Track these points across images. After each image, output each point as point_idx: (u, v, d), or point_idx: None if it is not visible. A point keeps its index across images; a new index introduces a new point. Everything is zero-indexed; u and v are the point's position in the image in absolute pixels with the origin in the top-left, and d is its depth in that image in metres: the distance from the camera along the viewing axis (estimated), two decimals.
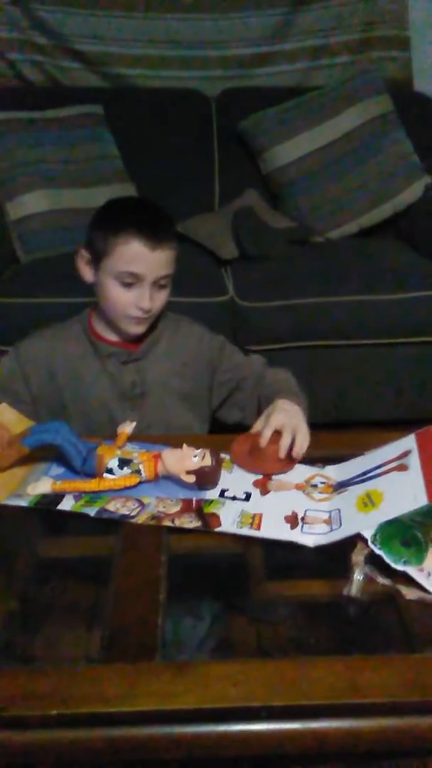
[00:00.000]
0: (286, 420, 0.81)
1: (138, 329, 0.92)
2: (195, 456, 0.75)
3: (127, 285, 0.87)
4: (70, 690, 0.52)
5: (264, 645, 0.59)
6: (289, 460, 0.81)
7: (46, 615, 0.62)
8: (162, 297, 0.90)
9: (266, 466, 0.80)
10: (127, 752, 0.52)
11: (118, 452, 0.78)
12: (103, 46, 1.93)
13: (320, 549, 0.68)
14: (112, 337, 0.94)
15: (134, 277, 0.87)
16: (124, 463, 0.77)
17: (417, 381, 1.56)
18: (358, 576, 0.64)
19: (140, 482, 0.77)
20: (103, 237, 0.87)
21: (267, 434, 0.80)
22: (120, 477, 0.76)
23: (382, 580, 0.64)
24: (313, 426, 0.84)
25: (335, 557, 0.66)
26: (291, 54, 1.99)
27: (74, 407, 0.94)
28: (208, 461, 0.75)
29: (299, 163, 1.77)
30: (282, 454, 0.80)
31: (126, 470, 0.77)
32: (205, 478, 0.76)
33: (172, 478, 0.77)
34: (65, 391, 0.94)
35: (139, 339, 0.94)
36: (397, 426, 0.81)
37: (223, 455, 0.80)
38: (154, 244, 0.85)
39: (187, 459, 0.75)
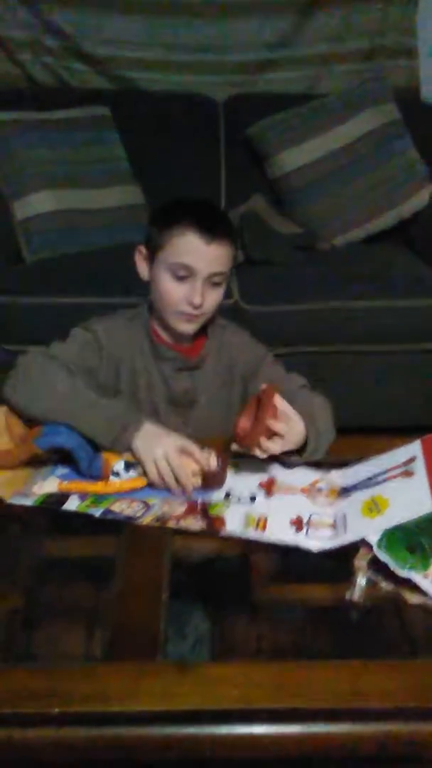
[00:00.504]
0: (293, 419, 0.78)
1: (188, 327, 0.89)
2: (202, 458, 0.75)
3: (180, 278, 0.85)
4: (72, 689, 0.53)
5: (266, 648, 0.59)
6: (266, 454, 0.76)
7: (49, 614, 0.63)
8: (215, 296, 0.88)
9: (246, 441, 0.75)
10: (127, 752, 0.53)
11: (124, 456, 0.78)
12: (112, 49, 1.94)
13: (323, 553, 0.68)
14: (170, 340, 0.93)
15: (187, 269, 0.84)
16: (129, 466, 0.77)
17: (423, 387, 1.56)
18: (361, 581, 0.64)
19: (146, 486, 0.77)
20: (160, 230, 0.86)
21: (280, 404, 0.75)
22: (126, 480, 0.76)
23: (385, 585, 0.64)
24: None
25: (338, 562, 0.66)
26: (299, 60, 1.99)
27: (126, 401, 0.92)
28: (213, 463, 0.75)
29: (306, 169, 1.78)
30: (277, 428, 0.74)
31: (132, 473, 0.77)
32: (211, 480, 0.76)
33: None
34: (122, 383, 0.93)
35: (195, 347, 0.93)
36: (402, 432, 0.81)
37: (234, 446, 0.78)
38: (210, 237, 0.84)
39: (193, 459, 0.75)
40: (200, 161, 1.85)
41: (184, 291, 0.86)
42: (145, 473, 0.76)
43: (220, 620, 0.62)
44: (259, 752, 0.53)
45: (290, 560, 0.68)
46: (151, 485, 0.77)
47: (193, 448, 0.77)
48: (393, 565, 0.64)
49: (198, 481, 0.76)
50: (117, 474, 0.77)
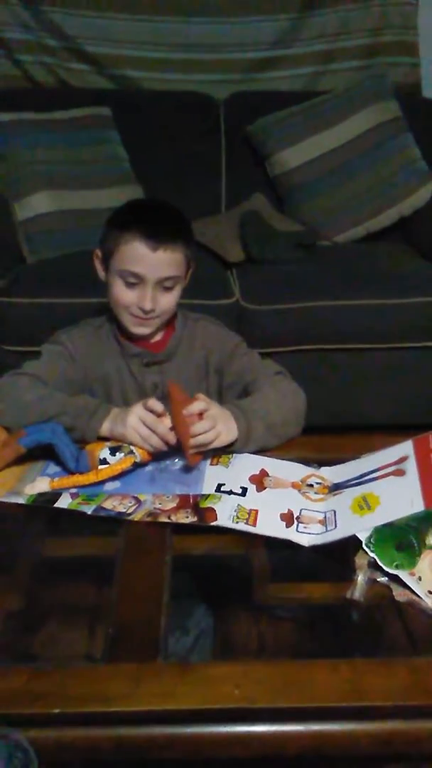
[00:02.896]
0: (218, 415, 0.79)
1: (142, 330, 0.92)
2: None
3: (131, 285, 0.88)
4: (73, 689, 0.53)
5: (267, 647, 0.59)
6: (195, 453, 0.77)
7: (50, 614, 0.62)
8: (168, 299, 0.90)
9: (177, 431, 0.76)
10: (129, 752, 0.53)
11: (107, 443, 0.79)
12: (111, 49, 1.94)
13: (325, 551, 0.68)
14: (136, 336, 0.94)
15: (136, 276, 0.87)
16: (115, 450, 0.78)
17: (423, 386, 1.56)
18: (361, 579, 0.64)
19: (135, 463, 0.77)
20: (111, 236, 0.89)
21: (193, 407, 0.78)
22: (116, 463, 0.76)
23: (380, 579, 0.64)
24: (317, 429, 0.84)
25: (339, 560, 0.66)
26: (299, 58, 1.99)
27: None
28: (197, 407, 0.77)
29: (306, 167, 1.77)
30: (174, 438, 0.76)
31: (119, 455, 0.77)
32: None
33: (168, 471, 0.77)
34: (95, 387, 0.95)
35: (162, 341, 0.95)
36: (403, 431, 0.81)
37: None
38: (155, 244, 0.85)
39: (164, 417, 0.76)
40: (201, 160, 1.85)
41: (135, 296, 0.88)
42: (130, 452, 0.77)
43: (220, 619, 0.62)
44: (260, 751, 0.53)
45: (292, 559, 0.68)
46: (139, 462, 0.78)
47: (155, 403, 0.79)
48: (380, 563, 0.64)
49: (173, 436, 0.77)
50: (105, 461, 0.77)
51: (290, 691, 0.53)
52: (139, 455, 0.78)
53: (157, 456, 0.80)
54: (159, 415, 0.79)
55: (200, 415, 0.79)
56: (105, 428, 0.81)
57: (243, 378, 0.97)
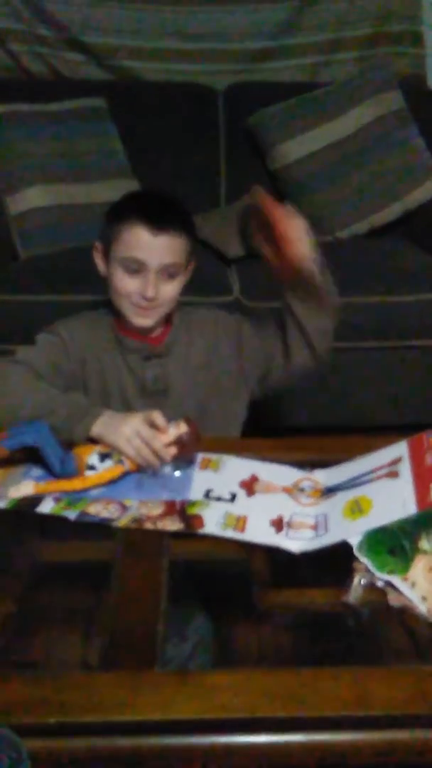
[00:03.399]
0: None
1: (144, 321, 0.90)
2: (170, 428, 0.75)
3: (133, 272, 0.87)
4: (69, 698, 0.51)
5: (267, 655, 0.58)
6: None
7: (45, 621, 0.61)
8: (170, 288, 0.89)
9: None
10: (126, 762, 0.51)
11: (97, 448, 0.77)
12: (107, 38, 1.91)
13: (326, 556, 0.66)
14: (134, 330, 0.93)
15: (138, 263, 0.86)
16: (104, 456, 0.76)
17: (424, 385, 1.54)
18: (357, 583, 0.63)
19: (125, 473, 0.76)
20: (111, 225, 0.88)
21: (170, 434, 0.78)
22: (103, 471, 0.75)
23: (378, 584, 0.63)
24: (316, 429, 0.83)
25: (340, 564, 0.65)
26: (301, 48, 1.96)
27: (96, 399, 0.93)
28: (183, 429, 0.75)
29: (308, 160, 1.75)
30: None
31: (108, 462, 0.76)
32: (185, 447, 0.76)
33: (156, 477, 0.76)
34: (91, 381, 0.94)
35: (161, 335, 0.94)
36: (406, 430, 0.80)
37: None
38: (157, 228, 0.84)
39: (163, 432, 0.75)
40: (199, 153, 1.83)
41: (137, 284, 0.87)
42: (120, 461, 0.76)
43: (219, 626, 0.61)
44: (261, 762, 0.52)
45: (291, 564, 0.67)
46: (128, 472, 0.76)
47: (157, 416, 0.77)
48: (372, 568, 0.63)
49: (173, 450, 0.76)
50: (92, 467, 0.75)
51: (291, 700, 0.52)
52: (128, 465, 0.76)
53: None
54: (159, 430, 0.77)
55: (177, 443, 0.77)
56: (95, 431, 0.79)
57: (266, 347, 0.96)
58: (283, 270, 0.87)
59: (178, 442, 0.76)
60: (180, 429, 0.76)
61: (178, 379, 0.94)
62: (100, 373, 0.93)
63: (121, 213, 0.87)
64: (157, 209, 0.86)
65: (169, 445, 0.75)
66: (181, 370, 0.94)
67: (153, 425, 0.77)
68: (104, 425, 0.79)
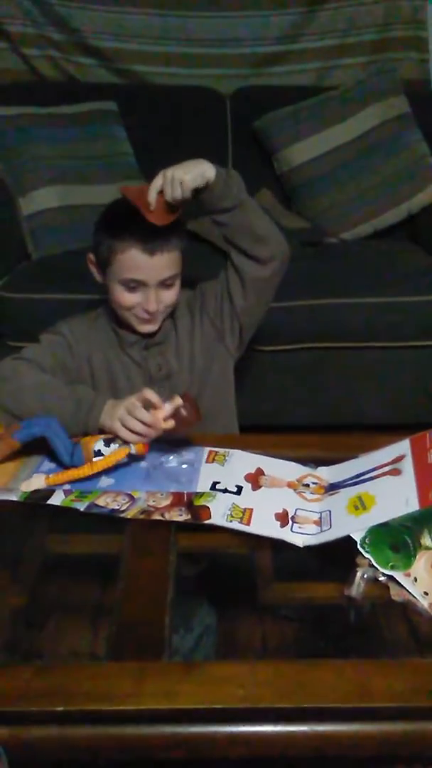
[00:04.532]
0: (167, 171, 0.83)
1: (149, 327, 0.93)
2: (166, 403, 0.76)
3: (132, 289, 0.89)
4: (76, 687, 0.52)
5: (271, 646, 0.59)
6: (167, 211, 0.83)
7: (54, 612, 0.62)
8: (170, 295, 0.91)
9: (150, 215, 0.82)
10: (131, 751, 0.52)
11: (102, 436, 0.79)
12: (118, 43, 1.93)
13: (330, 550, 0.67)
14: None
15: (137, 282, 0.88)
16: (109, 441, 0.78)
17: (425, 385, 1.55)
18: (360, 577, 0.63)
19: (130, 454, 0.77)
20: (105, 245, 0.89)
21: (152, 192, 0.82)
22: (110, 454, 0.76)
23: (381, 578, 0.63)
24: (317, 427, 0.83)
25: (344, 559, 0.66)
26: (307, 53, 1.97)
27: (106, 393, 0.93)
28: (179, 402, 0.76)
29: (314, 163, 1.76)
30: (149, 196, 0.82)
31: (114, 446, 0.77)
32: (184, 421, 0.77)
33: (163, 469, 0.77)
34: (99, 377, 0.95)
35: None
36: (404, 430, 0.80)
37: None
38: (153, 249, 0.86)
39: (159, 408, 0.76)
40: (207, 155, 1.81)
41: (138, 298, 0.89)
42: (125, 443, 0.77)
43: (225, 618, 0.62)
44: (264, 752, 0.53)
45: (296, 558, 0.68)
46: (135, 453, 0.78)
47: (150, 393, 0.78)
48: (375, 563, 0.64)
49: (171, 423, 0.76)
50: (99, 453, 0.77)
51: (294, 691, 0.53)
52: (133, 446, 0.77)
53: (153, 450, 0.80)
54: (154, 406, 0.78)
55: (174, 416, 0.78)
56: (100, 422, 0.81)
57: (218, 289, 0.96)
58: (160, 218, 0.85)
59: (176, 415, 0.76)
60: (176, 402, 0.77)
61: (176, 362, 0.96)
62: (107, 368, 0.95)
63: (114, 232, 0.87)
64: (149, 228, 0.85)
65: (167, 419, 0.76)
66: (176, 352, 0.96)
67: (147, 403, 0.78)
68: (106, 414, 0.81)
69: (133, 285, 0.88)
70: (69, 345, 0.94)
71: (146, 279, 0.87)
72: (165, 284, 0.89)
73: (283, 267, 0.93)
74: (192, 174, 0.84)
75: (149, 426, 0.77)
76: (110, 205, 0.95)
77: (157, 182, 0.84)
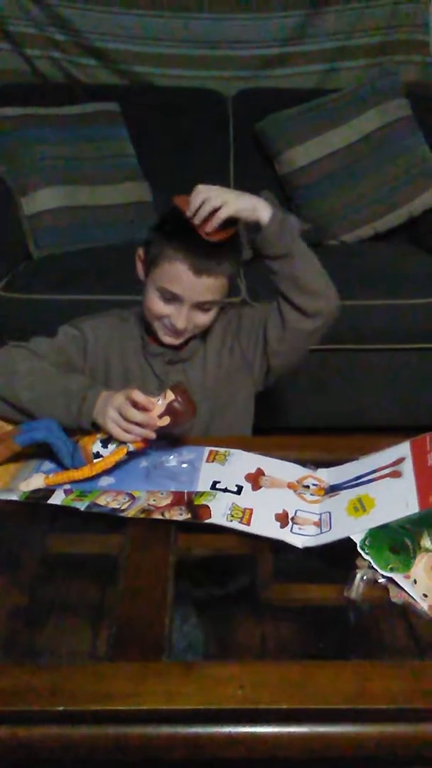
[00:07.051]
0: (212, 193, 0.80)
1: (170, 341, 0.90)
2: (159, 400, 0.75)
3: (167, 300, 0.86)
4: (76, 687, 0.52)
5: (271, 647, 0.59)
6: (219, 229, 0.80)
7: (53, 612, 0.62)
8: (203, 318, 0.87)
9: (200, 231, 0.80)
10: (130, 751, 0.52)
11: (98, 436, 0.78)
12: (120, 44, 1.93)
13: (330, 552, 0.67)
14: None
15: (174, 296, 0.85)
16: (106, 442, 0.77)
17: (426, 388, 1.55)
18: (359, 579, 0.63)
19: (129, 452, 0.77)
20: (157, 246, 0.85)
21: (193, 198, 0.80)
22: (109, 454, 0.76)
23: (381, 580, 0.64)
24: (318, 430, 0.83)
25: (344, 561, 0.66)
26: (309, 56, 1.98)
27: None
28: (171, 397, 0.75)
29: (315, 165, 1.77)
30: (188, 212, 0.80)
31: (111, 446, 0.77)
32: (179, 415, 0.76)
33: (163, 468, 0.77)
34: (113, 381, 0.93)
35: (186, 340, 0.92)
36: (405, 432, 0.81)
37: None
38: (200, 270, 0.82)
39: (152, 407, 0.75)
40: (209, 157, 1.84)
41: (170, 310, 0.86)
42: (122, 442, 0.76)
43: (225, 619, 0.62)
44: (263, 753, 0.53)
45: (296, 559, 0.68)
46: (134, 451, 0.77)
47: (137, 394, 0.76)
48: (375, 565, 0.64)
49: (166, 420, 0.76)
50: (98, 455, 0.76)
51: (294, 692, 0.53)
52: (131, 445, 0.77)
53: (153, 449, 0.80)
54: (146, 406, 0.76)
55: (170, 411, 0.76)
56: (93, 416, 0.79)
57: (257, 323, 0.92)
58: (210, 233, 0.82)
59: (170, 411, 0.75)
60: (168, 398, 0.75)
61: (197, 384, 0.94)
62: (123, 375, 0.93)
63: (169, 237, 0.84)
64: (204, 248, 0.82)
65: (162, 416, 0.75)
66: (200, 373, 0.94)
67: (135, 405, 0.75)
68: (97, 413, 0.78)
69: (168, 297, 0.85)
70: (85, 344, 0.92)
71: (184, 296, 0.84)
72: (202, 307, 0.86)
73: (328, 323, 0.90)
74: (242, 202, 0.81)
75: (144, 426, 0.76)
76: (173, 207, 0.88)
77: (208, 190, 0.81)
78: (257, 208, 0.83)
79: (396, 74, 1.88)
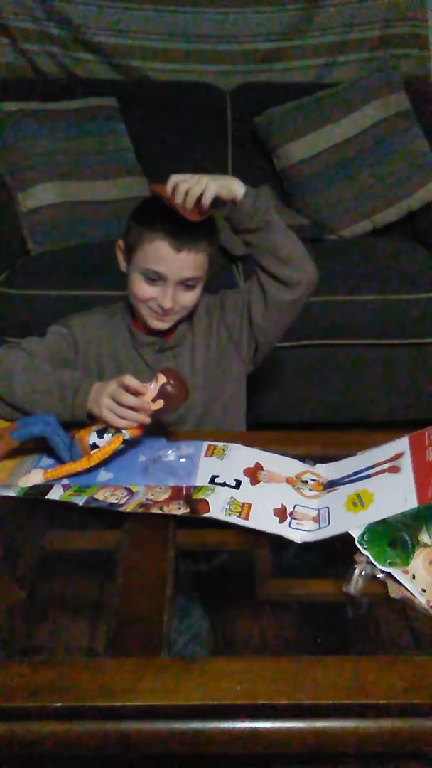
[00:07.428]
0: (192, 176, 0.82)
1: (159, 325, 0.91)
2: (151, 384, 0.76)
3: (152, 281, 0.88)
4: (75, 683, 0.53)
5: (269, 643, 0.59)
6: (198, 210, 0.82)
7: (52, 607, 0.62)
8: (188, 297, 0.90)
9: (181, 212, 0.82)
10: (129, 747, 0.53)
11: (94, 427, 0.78)
12: (118, 38, 1.92)
13: (329, 547, 0.67)
14: (147, 326, 0.94)
15: (158, 275, 0.87)
16: (102, 432, 0.77)
17: (425, 382, 1.55)
18: (357, 574, 0.63)
19: (126, 441, 0.77)
20: (135, 232, 0.88)
21: (168, 186, 0.82)
22: (105, 444, 0.76)
23: (379, 575, 0.64)
24: (317, 425, 0.83)
25: (343, 556, 0.66)
26: (308, 50, 1.97)
27: None
28: (163, 380, 0.76)
29: (314, 160, 1.76)
30: (178, 198, 0.81)
31: (107, 436, 0.77)
32: (171, 398, 0.76)
33: (162, 463, 0.77)
34: (107, 377, 0.93)
35: (173, 327, 0.94)
36: (405, 427, 0.81)
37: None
38: (180, 245, 0.85)
39: (144, 391, 0.75)
40: (207, 151, 1.83)
41: (155, 292, 0.88)
42: (118, 431, 0.77)
43: (223, 615, 0.62)
44: (262, 748, 0.53)
45: (295, 555, 0.68)
46: (130, 439, 0.77)
47: (129, 379, 0.77)
48: (373, 560, 0.64)
49: (160, 404, 0.76)
50: (95, 446, 0.77)
51: (292, 688, 0.53)
52: (127, 432, 0.77)
53: (151, 443, 0.79)
54: (138, 391, 0.76)
55: (163, 393, 0.77)
56: (87, 407, 0.80)
57: (240, 302, 0.95)
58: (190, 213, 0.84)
59: (163, 394, 0.76)
60: (160, 381, 0.76)
61: (189, 368, 0.95)
62: (116, 368, 0.94)
63: (146, 221, 0.87)
64: (180, 222, 0.84)
65: (155, 399, 0.76)
66: (190, 358, 0.95)
67: (128, 390, 0.77)
68: (93, 401, 0.80)
69: (153, 277, 0.87)
70: (75, 341, 0.94)
71: (167, 273, 0.86)
72: (185, 285, 0.88)
73: (308, 292, 0.93)
74: (219, 183, 0.83)
75: (138, 410, 0.76)
76: (148, 197, 0.94)
77: (183, 177, 0.84)
78: (232, 186, 0.86)
79: (395, 68, 1.88)
